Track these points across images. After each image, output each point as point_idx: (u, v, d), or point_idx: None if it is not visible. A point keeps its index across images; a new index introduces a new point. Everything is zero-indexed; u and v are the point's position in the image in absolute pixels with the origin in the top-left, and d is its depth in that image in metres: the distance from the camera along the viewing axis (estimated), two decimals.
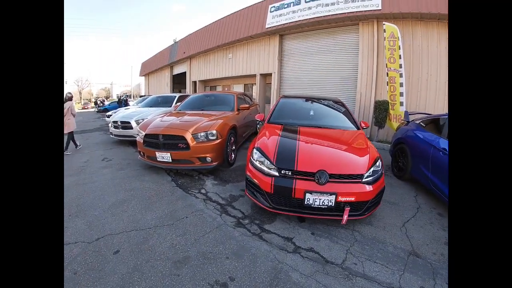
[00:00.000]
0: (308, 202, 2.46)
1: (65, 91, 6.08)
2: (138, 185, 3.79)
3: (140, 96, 20.53)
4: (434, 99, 7.15)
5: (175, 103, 7.96)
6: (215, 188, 3.68)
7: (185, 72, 18.31)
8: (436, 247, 2.40)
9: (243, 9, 11.74)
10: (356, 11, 7.65)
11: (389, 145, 5.45)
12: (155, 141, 4.12)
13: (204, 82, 16.89)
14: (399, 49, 6.61)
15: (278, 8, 9.73)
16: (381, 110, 7.04)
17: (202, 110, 5.42)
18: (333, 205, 2.45)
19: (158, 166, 4.29)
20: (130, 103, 17.07)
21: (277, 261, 2.12)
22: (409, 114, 4.90)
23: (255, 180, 2.72)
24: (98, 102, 27.11)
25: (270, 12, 10.02)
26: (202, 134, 4.02)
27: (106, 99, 37.92)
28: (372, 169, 2.64)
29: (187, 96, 8.10)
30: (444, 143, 3.21)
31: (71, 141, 6.23)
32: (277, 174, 2.61)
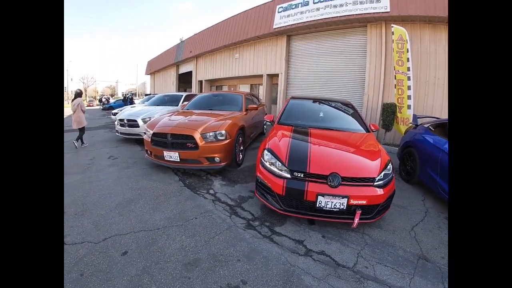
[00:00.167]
0: (320, 205, 2.44)
1: (71, 88, 6.14)
2: (145, 184, 3.77)
3: (146, 95, 20.53)
4: (441, 103, 7.09)
5: (182, 102, 7.94)
6: (224, 189, 3.66)
7: (191, 72, 18.36)
8: (445, 251, 2.39)
9: (250, 9, 11.74)
10: (365, 13, 7.61)
11: (396, 148, 5.42)
12: (163, 140, 4.11)
13: (210, 82, 16.92)
14: (407, 52, 6.57)
15: (286, 9, 9.71)
16: (389, 112, 7.00)
17: (210, 109, 5.40)
18: (344, 208, 2.43)
19: (165, 165, 4.28)
20: (136, 101, 16.99)
21: (289, 264, 2.10)
22: (418, 118, 4.87)
23: (266, 182, 2.71)
24: (103, 99, 26.33)
25: (278, 12, 10.00)
26: (211, 134, 4.00)
27: (111, 97, 37.93)
28: (383, 172, 2.62)
29: (194, 95, 8.10)
30: None
31: (81, 137, 6.34)
32: (288, 176, 2.59)
